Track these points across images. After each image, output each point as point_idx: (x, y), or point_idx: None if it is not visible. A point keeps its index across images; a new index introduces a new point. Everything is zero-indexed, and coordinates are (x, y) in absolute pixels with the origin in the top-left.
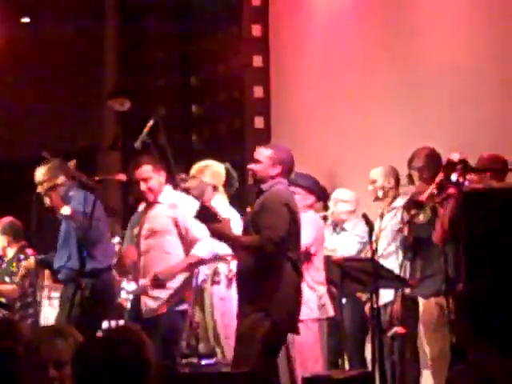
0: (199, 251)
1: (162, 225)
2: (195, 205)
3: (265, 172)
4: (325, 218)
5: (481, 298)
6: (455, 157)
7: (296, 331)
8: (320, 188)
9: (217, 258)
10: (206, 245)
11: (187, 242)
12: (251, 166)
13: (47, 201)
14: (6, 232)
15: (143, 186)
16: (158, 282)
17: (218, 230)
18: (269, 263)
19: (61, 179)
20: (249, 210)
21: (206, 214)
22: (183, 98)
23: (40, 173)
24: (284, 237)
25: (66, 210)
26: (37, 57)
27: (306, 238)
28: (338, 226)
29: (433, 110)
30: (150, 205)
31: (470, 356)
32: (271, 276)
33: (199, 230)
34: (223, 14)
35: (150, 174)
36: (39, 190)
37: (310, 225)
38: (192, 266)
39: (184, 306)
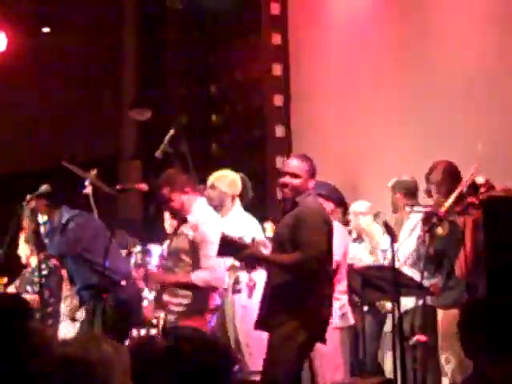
0: (196, 277)
1: (182, 244)
2: (221, 222)
3: (304, 186)
4: (349, 233)
5: (496, 310)
6: (480, 180)
7: (324, 341)
8: (337, 194)
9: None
10: (206, 275)
11: (197, 264)
12: (289, 181)
13: (31, 206)
14: (28, 241)
15: (167, 208)
16: (146, 279)
17: (250, 257)
18: (309, 278)
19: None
20: (271, 224)
21: (228, 247)
22: (203, 107)
23: (37, 204)
24: (325, 252)
25: (41, 219)
26: (57, 67)
27: (336, 254)
28: (359, 236)
29: (449, 120)
30: (183, 219)
31: (478, 366)
32: (308, 288)
33: (211, 259)
34: (242, 23)
35: (169, 197)
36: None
37: (337, 239)
38: (181, 285)
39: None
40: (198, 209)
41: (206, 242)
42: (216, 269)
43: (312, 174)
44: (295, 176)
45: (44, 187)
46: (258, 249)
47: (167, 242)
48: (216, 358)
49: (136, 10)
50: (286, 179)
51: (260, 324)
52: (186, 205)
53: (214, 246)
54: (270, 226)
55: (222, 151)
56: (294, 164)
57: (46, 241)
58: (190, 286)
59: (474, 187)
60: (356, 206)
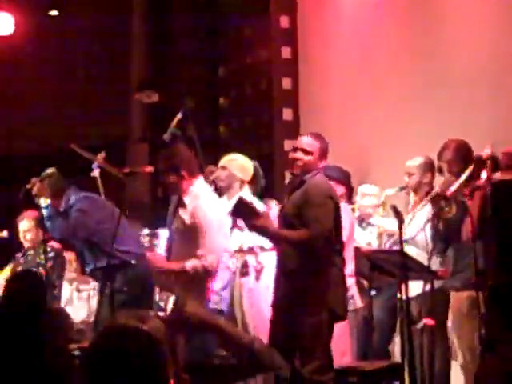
0: (190, 264)
1: (186, 224)
2: (222, 204)
3: (314, 164)
4: (352, 210)
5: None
6: (485, 153)
7: (345, 318)
8: (348, 178)
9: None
10: (195, 263)
11: (191, 250)
12: (300, 156)
13: (34, 190)
14: (40, 225)
15: (163, 181)
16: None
17: (260, 225)
18: (318, 255)
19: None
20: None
21: (243, 210)
22: (211, 90)
23: (38, 187)
24: (331, 229)
25: (43, 202)
26: (64, 49)
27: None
28: (364, 220)
29: (459, 107)
30: (180, 199)
31: (499, 349)
32: (321, 267)
33: (204, 246)
34: (251, 6)
35: (163, 171)
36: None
37: (343, 220)
38: (174, 272)
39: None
40: (196, 191)
41: (201, 230)
42: (206, 257)
43: (324, 153)
44: (307, 153)
45: (48, 171)
46: (270, 221)
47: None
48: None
49: None
50: (298, 154)
51: (277, 306)
52: (180, 185)
53: (209, 233)
54: (274, 205)
55: (230, 134)
56: (307, 141)
57: (48, 224)
58: (182, 273)
59: (479, 162)
60: (364, 188)
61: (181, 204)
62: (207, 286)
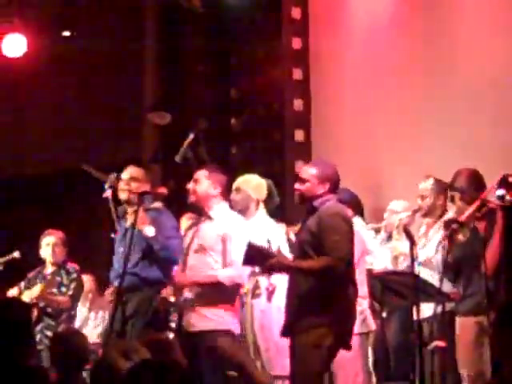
0: (221, 274)
1: (210, 241)
2: (245, 225)
3: (313, 191)
4: (377, 231)
5: None
6: None
7: (349, 347)
8: (356, 201)
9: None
10: (231, 272)
11: (225, 262)
12: (298, 187)
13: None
14: (65, 244)
15: (190, 185)
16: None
17: (278, 265)
18: (334, 279)
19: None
20: (296, 228)
21: (255, 255)
22: (223, 111)
23: (135, 170)
24: (351, 252)
25: (149, 231)
26: (77, 70)
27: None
28: (391, 238)
29: (471, 123)
30: (202, 218)
31: (505, 369)
32: (334, 291)
33: (236, 254)
34: (263, 27)
35: (201, 178)
36: (124, 191)
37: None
38: (207, 285)
39: (228, 326)
40: (220, 209)
41: (231, 238)
42: (239, 264)
43: (324, 179)
44: (303, 181)
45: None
46: (285, 256)
47: (186, 238)
48: None
49: (157, 14)
50: (296, 185)
51: (287, 330)
52: (209, 199)
53: (237, 242)
54: (283, 228)
55: (242, 155)
56: (303, 169)
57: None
58: (215, 285)
59: (504, 183)
60: (392, 205)
61: (206, 218)
62: (234, 298)
